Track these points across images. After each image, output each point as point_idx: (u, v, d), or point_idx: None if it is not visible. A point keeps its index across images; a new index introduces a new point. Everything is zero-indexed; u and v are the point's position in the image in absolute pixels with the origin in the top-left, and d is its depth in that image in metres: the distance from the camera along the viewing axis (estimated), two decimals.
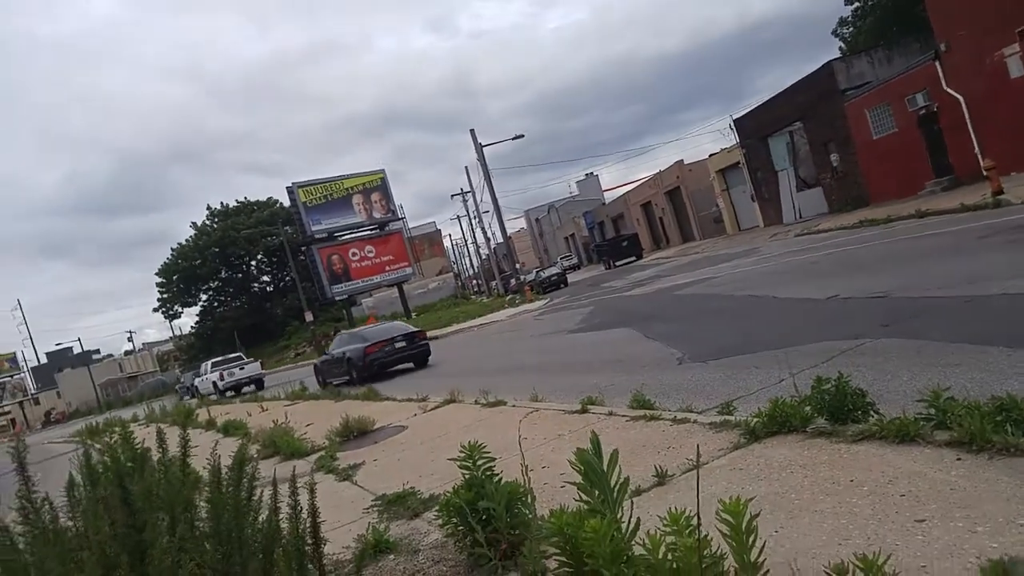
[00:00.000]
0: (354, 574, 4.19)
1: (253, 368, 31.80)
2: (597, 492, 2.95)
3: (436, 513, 4.99)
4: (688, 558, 2.23)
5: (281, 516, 3.49)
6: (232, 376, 30.95)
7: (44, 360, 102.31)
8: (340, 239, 53.72)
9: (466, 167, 58.15)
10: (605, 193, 70.24)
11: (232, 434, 13.22)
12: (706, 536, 2.36)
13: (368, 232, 55.11)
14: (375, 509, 5.68)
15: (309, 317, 48.02)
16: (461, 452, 4.06)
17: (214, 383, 31.10)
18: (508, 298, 39.48)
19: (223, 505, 2.95)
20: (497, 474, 4.01)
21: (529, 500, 3.95)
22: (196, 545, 2.81)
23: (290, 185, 52.62)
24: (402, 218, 63.16)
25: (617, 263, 45.16)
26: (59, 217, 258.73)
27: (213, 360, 34.43)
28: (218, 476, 3.59)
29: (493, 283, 57.89)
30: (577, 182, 76.18)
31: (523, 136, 39.57)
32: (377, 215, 54.93)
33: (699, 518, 2.18)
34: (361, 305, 61.24)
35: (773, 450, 4.32)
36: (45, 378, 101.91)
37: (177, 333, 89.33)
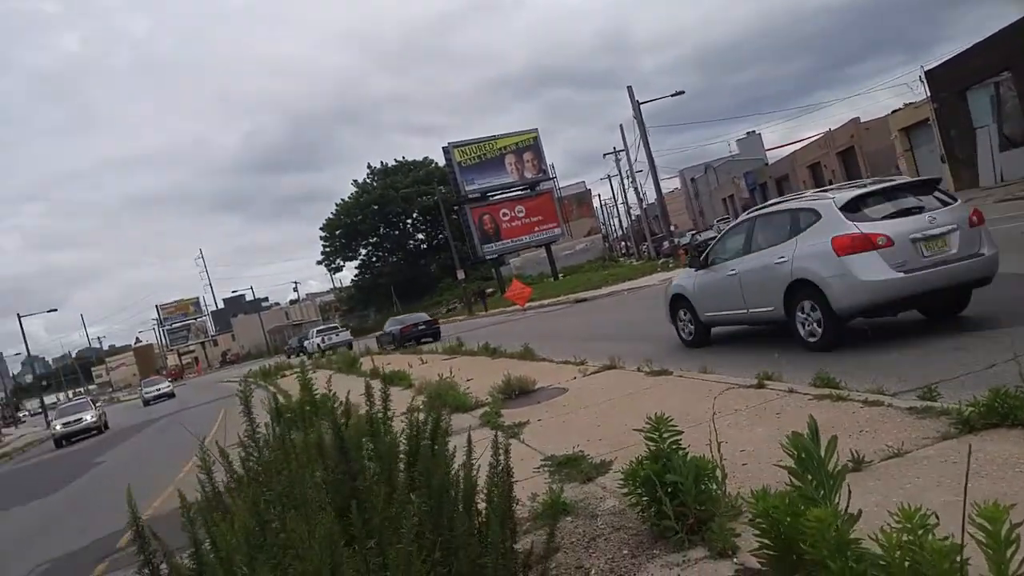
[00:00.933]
0: (546, 531, 4.28)
1: (345, 335, 44.98)
2: (810, 477, 2.79)
3: (613, 480, 5.00)
4: (935, 562, 2.04)
5: (456, 468, 3.60)
6: (330, 340, 42.77)
7: (221, 305, 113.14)
8: (492, 199, 54.71)
9: (620, 125, 57.02)
10: (768, 153, 66.49)
11: (397, 384, 13.93)
12: (950, 539, 2.16)
13: (519, 192, 55.73)
14: (545, 469, 5.76)
15: (461, 275, 49.49)
16: (647, 423, 4.00)
17: (317, 344, 42.56)
18: (660, 262, 38.64)
19: (431, 459, 3.07)
20: (685, 448, 3.92)
21: (720, 477, 3.85)
22: (405, 496, 2.94)
23: (446, 145, 54.08)
24: (553, 178, 63.28)
25: None
26: (237, 174, 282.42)
27: (318, 328, 49.44)
28: (418, 429, 3.75)
29: (643, 246, 56.86)
30: (737, 141, 72.61)
31: (683, 93, 38.13)
32: (529, 175, 55.35)
33: (964, 525, 1.98)
34: (509, 264, 62.28)
35: (995, 445, 3.92)
36: (222, 322, 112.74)
37: (338, 285, 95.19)
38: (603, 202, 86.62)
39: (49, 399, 67.94)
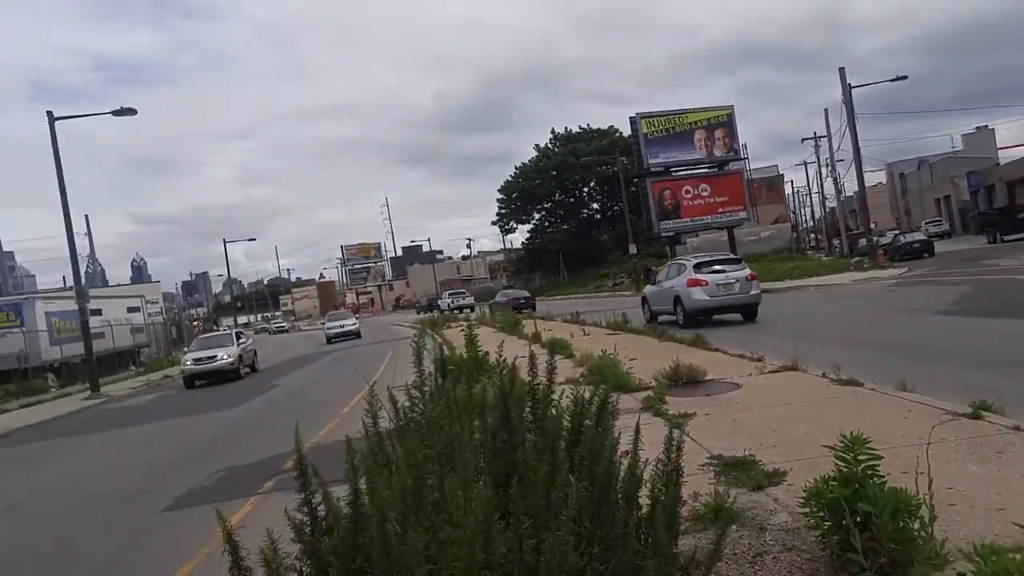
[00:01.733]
0: (705, 535, 3.95)
1: (469, 299, 55.85)
2: None
3: (787, 493, 4.54)
4: None
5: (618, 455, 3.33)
6: (458, 301, 53.57)
7: (400, 253, 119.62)
8: (675, 174, 52.86)
9: (825, 109, 52.94)
10: (1000, 152, 58.76)
11: (557, 352, 13.82)
12: None
13: (705, 170, 53.40)
14: (710, 468, 5.38)
15: (633, 250, 48.59)
16: (840, 440, 3.52)
17: (448, 304, 52.80)
18: (854, 260, 35.67)
19: (599, 444, 2.83)
20: (882, 476, 3.41)
21: (927, 518, 3.31)
22: (566, 478, 2.72)
23: (633, 115, 52.72)
24: (744, 158, 60.09)
25: (1006, 237, 37.53)
26: (425, 130, 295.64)
27: (449, 291, 61.53)
28: (582, 406, 3.52)
29: (835, 241, 52.83)
30: (963, 136, 64.70)
31: (905, 78, 34.48)
32: (718, 153, 52.83)
33: None
34: (685, 244, 60.25)
35: None
36: (398, 268, 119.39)
37: (508, 247, 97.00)
38: (796, 189, 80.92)
39: (242, 319, 75.18)
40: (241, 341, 25.09)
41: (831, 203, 60.10)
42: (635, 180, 56.03)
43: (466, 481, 2.40)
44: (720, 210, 51.90)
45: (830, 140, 48.25)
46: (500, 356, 3.98)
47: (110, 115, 23.49)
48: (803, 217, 76.97)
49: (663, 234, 52.57)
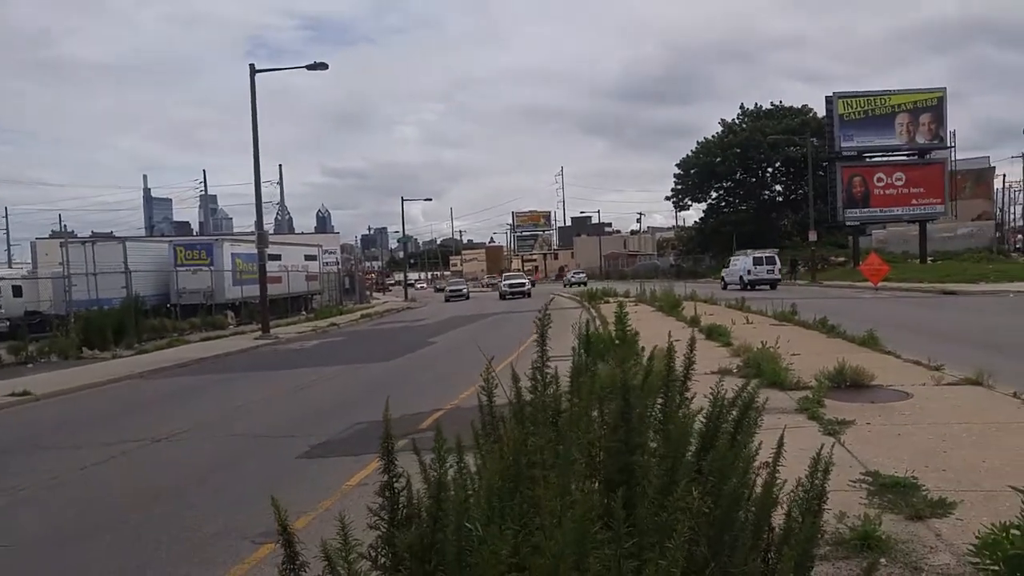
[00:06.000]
0: (846, 562, 3.56)
1: (582, 276, 65.43)
2: None
3: (954, 529, 4.02)
4: None
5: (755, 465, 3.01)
6: (574, 278, 63.31)
7: (568, 223, 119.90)
8: (868, 160, 49.01)
9: None
10: None
11: (714, 339, 13.23)
12: None
13: (903, 157, 48.99)
14: (862, 487, 4.89)
15: (812, 236, 45.42)
16: None
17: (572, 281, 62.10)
18: None
19: (729, 455, 2.55)
20: None
21: None
22: (687, 491, 2.48)
23: (830, 95, 49.29)
24: (950, 147, 54.26)
25: None
26: (611, 99, 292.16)
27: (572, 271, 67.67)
28: (721, 408, 3.21)
29: None
30: None
31: None
32: (921, 139, 48.13)
33: None
34: (870, 235, 55.57)
35: None
36: (565, 238, 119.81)
37: (680, 224, 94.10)
38: (1008, 184, 71.64)
39: (412, 275, 78.62)
40: None
41: None
42: (824, 164, 52.58)
43: (564, 482, 2.23)
44: (914, 201, 47.50)
45: None
46: (669, 340, 3.66)
47: (304, 69, 24.61)
48: (1012, 215, 68.26)
49: (847, 223, 49.01)
